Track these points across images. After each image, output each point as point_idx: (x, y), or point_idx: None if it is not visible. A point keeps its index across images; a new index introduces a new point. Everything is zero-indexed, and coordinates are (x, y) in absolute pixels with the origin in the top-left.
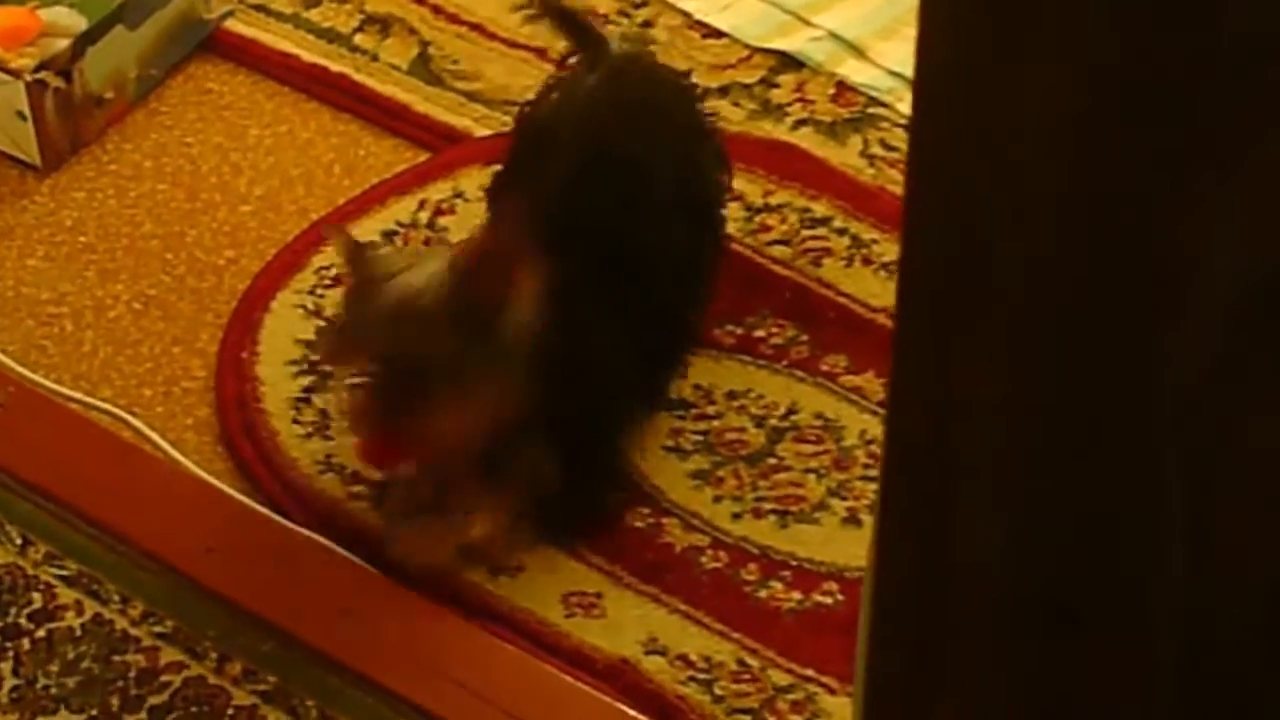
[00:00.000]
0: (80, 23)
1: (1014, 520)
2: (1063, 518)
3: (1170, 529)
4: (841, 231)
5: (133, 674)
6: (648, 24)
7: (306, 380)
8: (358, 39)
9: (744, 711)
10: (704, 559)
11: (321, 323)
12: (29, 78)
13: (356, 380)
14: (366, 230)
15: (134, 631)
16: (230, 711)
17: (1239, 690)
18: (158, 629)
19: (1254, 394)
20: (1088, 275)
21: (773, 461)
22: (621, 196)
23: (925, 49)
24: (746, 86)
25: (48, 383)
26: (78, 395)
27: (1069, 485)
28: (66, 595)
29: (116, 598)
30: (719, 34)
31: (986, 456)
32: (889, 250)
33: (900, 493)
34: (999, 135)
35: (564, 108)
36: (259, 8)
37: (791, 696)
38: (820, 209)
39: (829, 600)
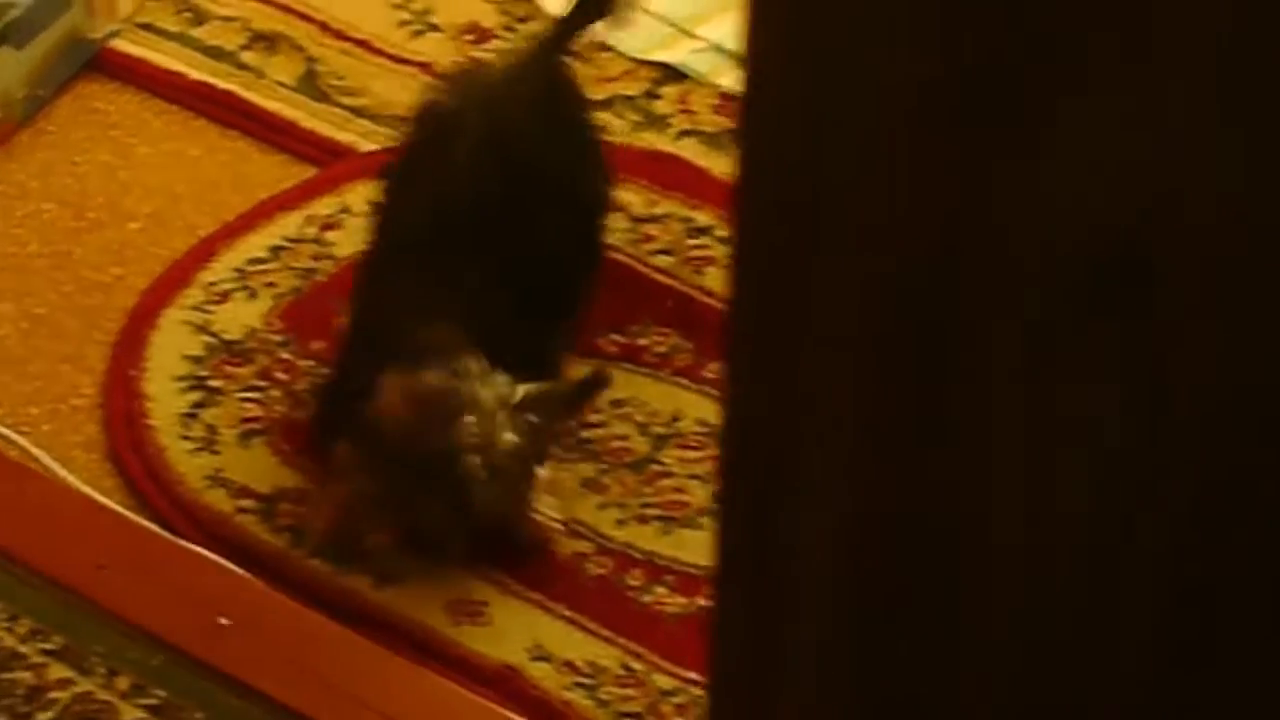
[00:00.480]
0: None
1: (847, 503)
2: (894, 499)
3: (1003, 502)
4: (724, 240)
5: (20, 691)
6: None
7: (194, 396)
8: (245, 56)
9: (629, 715)
10: (589, 565)
11: (209, 339)
12: None
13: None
14: (254, 246)
15: (22, 649)
16: None
17: (1070, 665)
18: (45, 645)
19: (1067, 363)
20: (917, 246)
21: (657, 468)
22: (513, 190)
23: (754, 42)
24: (630, 99)
25: None
26: None
27: (900, 466)
28: None
29: (4, 615)
30: (603, 47)
31: (817, 438)
32: None
33: (736, 479)
34: (827, 124)
35: (467, 99)
36: (145, 26)
37: (676, 700)
38: (703, 218)
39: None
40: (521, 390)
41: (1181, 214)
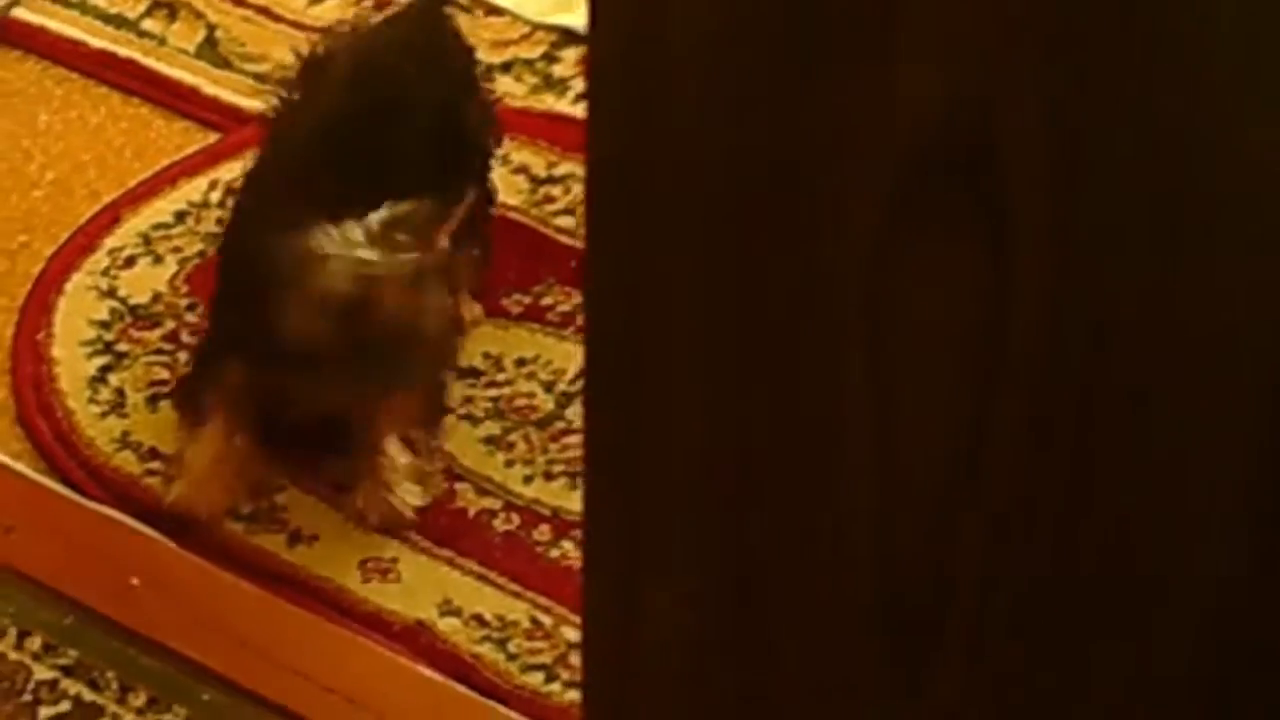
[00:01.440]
0: None
1: (710, 396)
2: (755, 393)
3: (855, 401)
4: None
5: None
6: None
7: (102, 360)
8: (145, 23)
9: (537, 668)
10: (497, 522)
11: (115, 304)
12: None
13: None
14: (159, 211)
15: None
16: (31, 686)
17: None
18: None
19: (915, 266)
20: (766, 149)
21: (562, 425)
22: (380, 123)
23: None
24: (529, 62)
25: None
26: None
27: (759, 360)
28: None
29: None
30: (499, 11)
31: (681, 333)
32: None
33: (603, 374)
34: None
35: (341, 45)
36: None
37: None
38: None
39: None
40: (384, 211)
41: (1022, 111)
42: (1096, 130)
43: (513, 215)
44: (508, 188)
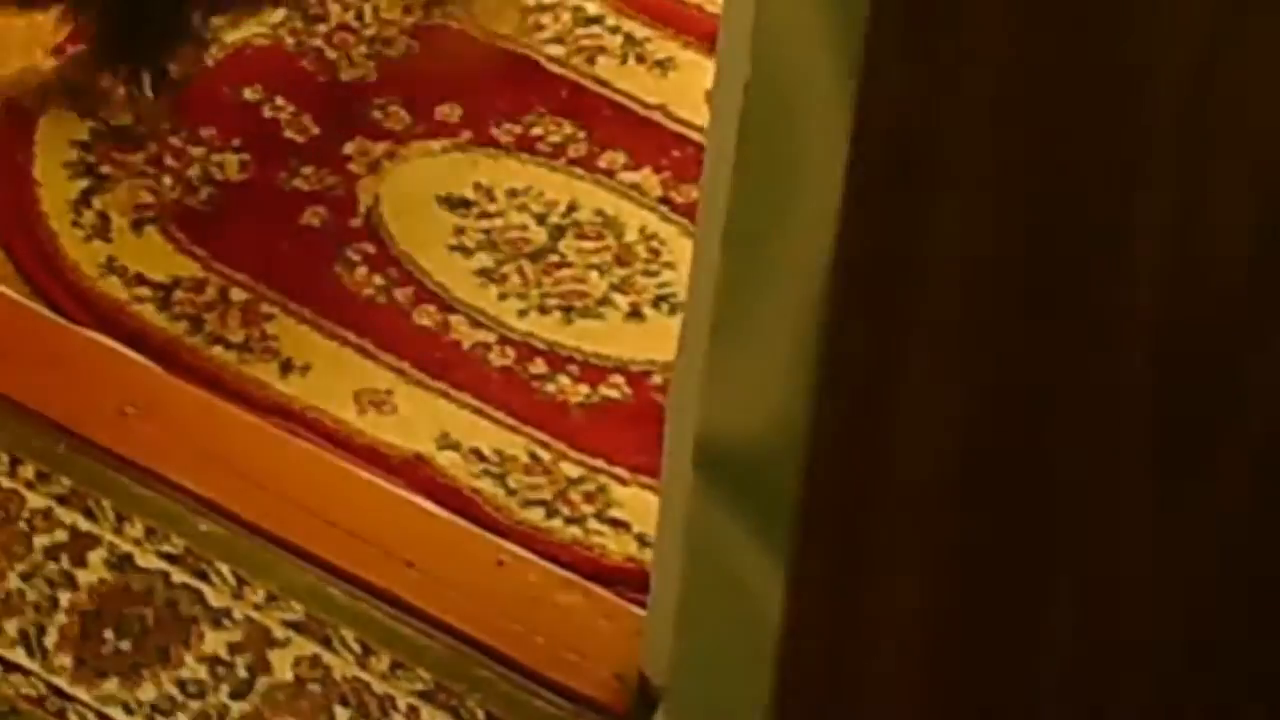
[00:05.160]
0: None
1: (965, 385)
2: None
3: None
4: (614, 30)
5: None
6: None
7: (84, 183)
8: None
9: (537, 503)
10: (492, 355)
11: (97, 124)
12: None
13: None
14: None
15: None
16: (26, 514)
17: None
18: None
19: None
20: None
21: (555, 258)
22: None
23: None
24: None
25: None
26: None
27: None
28: None
29: None
30: None
31: (935, 319)
32: (661, 48)
33: (840, 358)
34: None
35: None
36: None
37: (583, 488)
38: (593, 8)
39: (616, 394)
40: None
41: None
42: None
43: (502, 44)
44: (497, 17)
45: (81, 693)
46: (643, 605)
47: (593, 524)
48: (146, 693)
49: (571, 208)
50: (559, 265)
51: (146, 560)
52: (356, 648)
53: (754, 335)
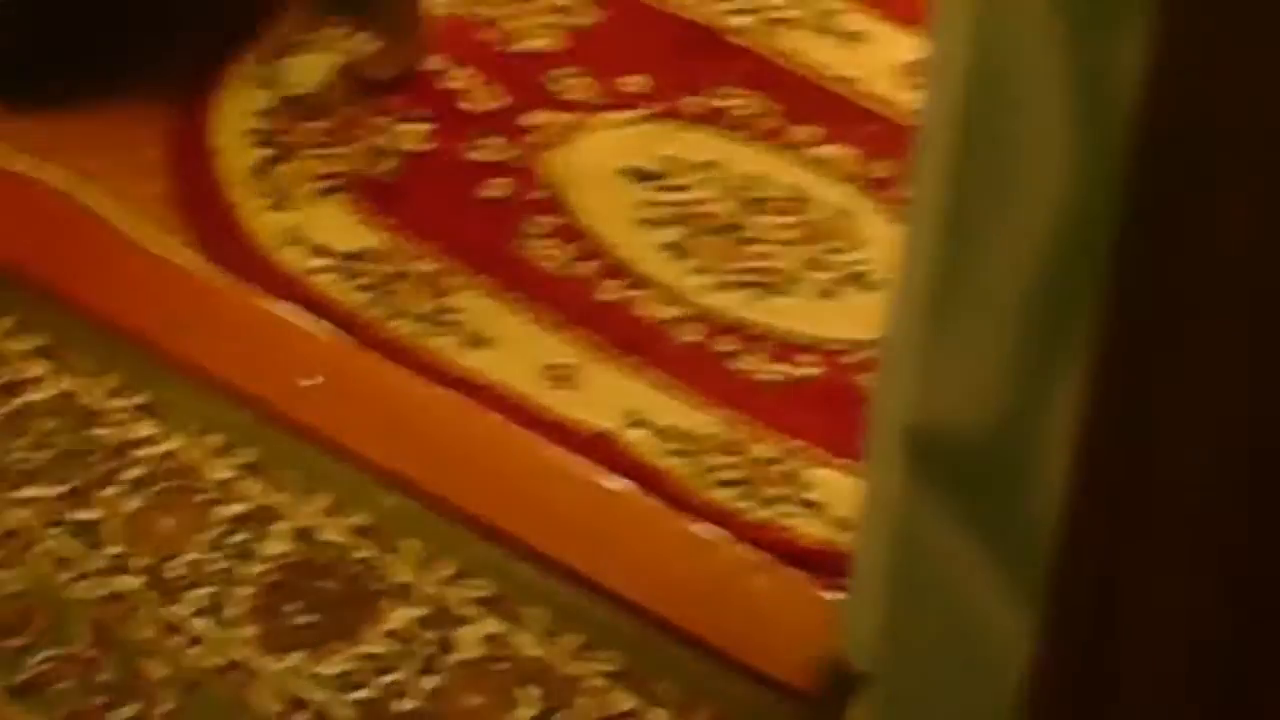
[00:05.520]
0: None
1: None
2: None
3: None
4: (805, 2)
5: (104, 449)
6: None
7: (265, 152)
8: None
9: (729, 484)
10: (679, 332)
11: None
12: None
13: None
14: None
15: (108, 405)
16: (208, 486)
17: None
18: (137, 400)
19: None
20: None
21: (745, 234)
22: None
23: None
24: None
25: None
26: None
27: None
28: (35, 368)
29: (96, 371)
30: None
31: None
32: (851, 21)
33: (1093, 461)
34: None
35: None
36: None
37: (779, 468)
38: None
39: (808, 373)
40: None
41: None
42: None
43: (686, 15)
44: None
45: (269, 665)
46: (836, 589)
47: (786, 506)
48: (332, 666)
49: (761, 183)
50: (748, 241)
51: (330, 534)
52: (544, 626)
53: (975, 321)
